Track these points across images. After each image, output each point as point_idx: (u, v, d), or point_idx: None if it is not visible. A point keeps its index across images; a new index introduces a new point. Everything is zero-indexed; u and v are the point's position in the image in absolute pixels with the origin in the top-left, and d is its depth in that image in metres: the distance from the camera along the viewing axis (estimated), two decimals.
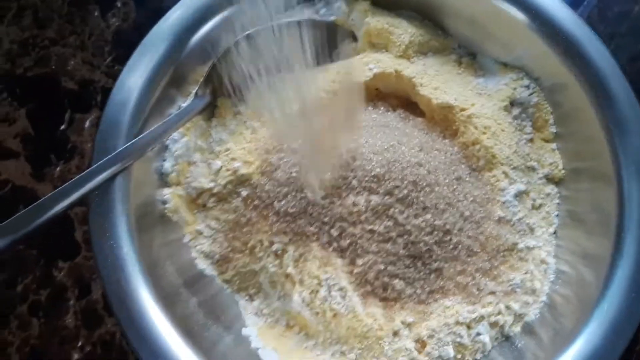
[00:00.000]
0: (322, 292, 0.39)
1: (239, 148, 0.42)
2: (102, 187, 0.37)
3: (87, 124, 0.51)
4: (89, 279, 0.46)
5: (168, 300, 0.37)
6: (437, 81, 0.44)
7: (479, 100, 0.44)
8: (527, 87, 0.44)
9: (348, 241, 0.40)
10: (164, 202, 0.42)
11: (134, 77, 0.40)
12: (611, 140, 0.40)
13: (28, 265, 0.47)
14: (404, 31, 0.46)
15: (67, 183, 0.35)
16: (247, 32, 0.40)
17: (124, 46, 0.42)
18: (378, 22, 0.46)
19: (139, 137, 0.39)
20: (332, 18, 0.47)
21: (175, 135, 0.42)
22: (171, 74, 0.42)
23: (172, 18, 0.43)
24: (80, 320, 0.45)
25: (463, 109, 0.43)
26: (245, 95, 0.41)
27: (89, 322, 0.45)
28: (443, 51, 0.48)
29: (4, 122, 0.51)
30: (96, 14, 0.55)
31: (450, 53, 0.48)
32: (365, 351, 0.39)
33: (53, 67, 0.52)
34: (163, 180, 0.43)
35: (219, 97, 0.44)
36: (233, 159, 0.42)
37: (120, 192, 0.37)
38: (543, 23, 0.43)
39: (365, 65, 0.45)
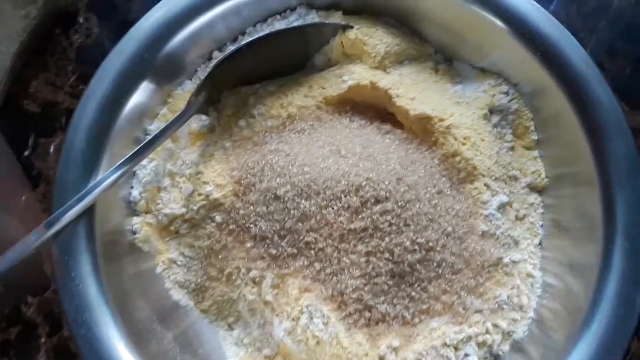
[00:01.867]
0: (304, 319, 0.37)
1: (211, 171, 0.41)
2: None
3: (52, 148, 0.49)
4: (59, 314, 0.44)
5: (141, 338, 0.35)
6: (414, 91, 0.43)
7: (457, 110, 0.42)
8: (506, 93, 0.43)
9: (327, 263, 0.38)
10: (134, 232, 0.40)
11: (94, 102, 0.38)
12: (593, 145, 0.39)
13: None
14: (379, 41, 0.44)
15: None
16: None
17: (88, 64, 0.40)
18: (352, 33, 0.44)
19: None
20: None
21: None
22: (135, 96, 0.40)
23: (135, 35, 0.41)
24: (52, 358, 0.43)
25: (441, 119, 0.42)
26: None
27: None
28: (419, 58, 0.46)
29: None
30: (57, 31, 0.52)
31: (427, 60, 0.46)
32: None
33: (13, 89, 0.50)
34: (131, 208, 0.41)
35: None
36: (205, 183, 0.40)
37: (84, 227, 0.36)
38: (518, 26, 0.41)
39: (339, 77, 0.44)
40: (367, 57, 0.45)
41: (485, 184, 0.41)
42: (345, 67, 0.45)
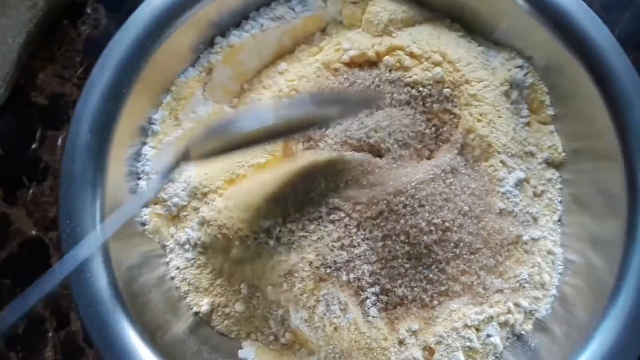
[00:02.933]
0: (321, 307, 0.36)
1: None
2: (73, 215, 0.34)
3: (59, 141, 0.48)
4: (67, 309, 0.44)
5: (154, 328, 0.35)
6: (436, 44, 0.41)
7: (485, 76, 0.40)
8: (521, 67, 0.41)
9: (344, 249, 0.37)
10: (143, 224, 0.39)
11: (96, 92, 0.37)
12: (614, 118, 0.37)
13: (2, 295, 0.44)
14: (382, 9, 0.42)
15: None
16: None
17: (96, 55, 0.39)
18: (353, 6, 0.43)
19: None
20: (308, 14, 0.44)
21: (146, 150, 0.40)
22: (137, 84, 0.39)
23: (136, 22, 0.39)
24: (60, 353, 0.43)
25: (468, 82, 0.40)
26: None
27: (69, 354, 0.43)
28: (433, 21, 0.44)
29: None
30: (65, 22, 0.52)
31: (441, 22, 0.44)
32: None
33: (21, 81, 0.49)
34: None
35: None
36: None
37: (92, 219, 0.35)
38: None
39: (337, 44, 0.42)
40: (369, 25, 0.42)
41: (501, 161, 0.39)
42: (343, 34, 0.43)
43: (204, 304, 0.39)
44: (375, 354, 0.36)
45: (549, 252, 0.39)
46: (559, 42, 0.39)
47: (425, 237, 0.37)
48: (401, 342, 0.36)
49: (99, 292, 0.33)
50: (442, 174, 0.38)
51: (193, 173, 0.40)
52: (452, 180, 0.38)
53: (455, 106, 0.40)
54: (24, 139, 0.48)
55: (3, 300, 0.44)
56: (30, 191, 0.47)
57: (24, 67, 0.49)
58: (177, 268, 0.40)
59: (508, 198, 0.39)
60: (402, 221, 0.37)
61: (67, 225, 0.34)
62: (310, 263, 0.36)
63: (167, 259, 0.40)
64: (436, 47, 0.41)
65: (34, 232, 0.46)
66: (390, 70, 0.41)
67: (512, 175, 0.39)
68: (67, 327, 0.44)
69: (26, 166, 0.47)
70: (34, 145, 0.48)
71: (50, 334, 0.44)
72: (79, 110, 0.37)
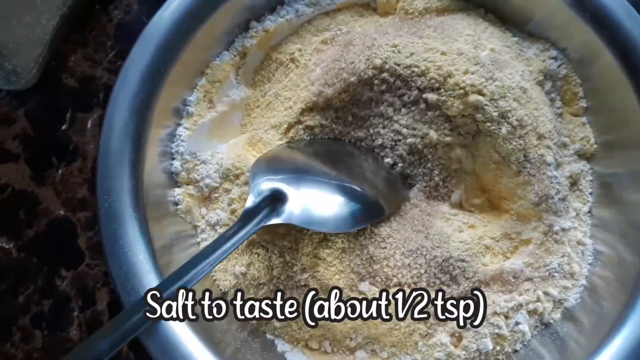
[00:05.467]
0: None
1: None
2: (112, 191, 0.35)
3: (89, 123, 0.48)
4: (93, 288, 0.44)
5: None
6: (469, 30, 0.40)
7: (518, 65, 0.40)
8: (555, 58, 0.42)
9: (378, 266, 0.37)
10: (176, 204, 0.40)
11: (135, 72, 0.38)
12: None
13: (30, 274, 0.45)
14: None
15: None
16: None
17: (127, 40, 0.39)
18: None
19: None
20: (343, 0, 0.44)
21: (181, 132, 0.40)
22: (174, 66, 0.39)
23: (173, 6, 0.40)
24: (85, 332, 0.43)
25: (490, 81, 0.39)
26: None
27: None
28: (466, 10, 0.43)
29: (2, 122, 0.48)
30: (97, 7, 0.52)
31: (475, 11, 0.44)
32: (398, 349, 0.37)
33: (53, 63, 0.50)
34: (173, 179, 0.40)
35: None
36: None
37: (129, 195, 0.35)
38: None
39: None
40: (403, 13, 0.43)
41: (547, 146, 0.39)
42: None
43: (229, 285, 0.39)
44: (403, 338, 0.36)
45: (579, 243, 0.39)
46: (594, 34, 0.39)
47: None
48: (429, 328, 0.37)
49: (136, 265, 0.34)
50: None
51: (225, 155, 0.40)
52: None
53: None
54: (54, 120, 0.48)
55: (30, 279, 0.44)
56: (59, 171, 0.47)
57: (56, 49, 0.49)
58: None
59: (551, 182, 0.38)
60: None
61: (105, 201, 0.35)
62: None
63: (199, 239, 0.40)
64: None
65: (61, 212, 0.46)
66: None
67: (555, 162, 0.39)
68: (93, 306, 0.44)
69: (55, 147, 0.48)
70: (64, 127, 0.48)
71: (75, 313, 0.44)
72: (117, 89, 0.37)
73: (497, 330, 0.36)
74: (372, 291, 0.36)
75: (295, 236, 0.37)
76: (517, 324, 0.37)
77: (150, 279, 0.33)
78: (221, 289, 0.39)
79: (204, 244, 0.40)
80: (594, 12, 0.39)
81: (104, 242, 0.34)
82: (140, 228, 0.35)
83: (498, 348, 0.36)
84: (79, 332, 0.44)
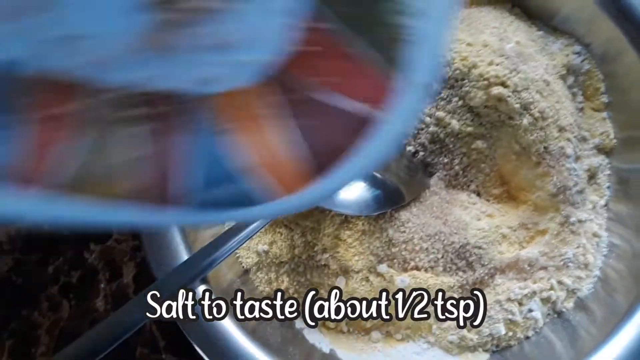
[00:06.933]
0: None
1: None
2: None
3: None
4: (120, 263, 0.46)
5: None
6: (493, 23, 0.40)
7: (542, 59, 0.40)
8: (579, 53, 0.42)
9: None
10: None
11: None
12: None
13: (60, 246, 0.46)
14: None
15: None
16: None
17: None
18: None
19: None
20: None
21: None
22: None
23: None
24: (110, 303, 0.45)
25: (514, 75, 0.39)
26: None
27: (120, 305, 0.44)
28: (494, 4, 0.44)
29: None
30: None
31: (502, 6, 0.44)
32: (412, 331, 0.38)
33: None
34: None
35: None
36: None
37: None
38: None
39: None
40: None
41: (567, 138, 0.39)
42: None
43: (252, 262, 0.40)
44: (417, 321, 0.37)
45: (595, 235, 0.40)
46: (620, 32, 0.39)
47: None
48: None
49: (172, 245, 0.35)
50: None
51: None
52: None
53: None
54: None
55: (60, 251, 0.46)
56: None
57: None
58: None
59: (570, 175, 0.39)
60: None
61: None
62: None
63: None
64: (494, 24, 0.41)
65: None
66: None
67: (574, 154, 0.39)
68: (119, 279, 0.46)
69: None
70: None
71: (102, 285, 0.46)
72: None
73: (510, 316, 0.37)
74: (389, 273, 0.37)
75: (317, 217, 0.38)
76: (530, 310, 0.38)
77: (180, 250, 0.35)
78: (244, 266, 0.40)
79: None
80: (621, 9, 0.39)
81: None
82: None
83: (510, 334, 0.37)
84: (105, 303, 0.45)
